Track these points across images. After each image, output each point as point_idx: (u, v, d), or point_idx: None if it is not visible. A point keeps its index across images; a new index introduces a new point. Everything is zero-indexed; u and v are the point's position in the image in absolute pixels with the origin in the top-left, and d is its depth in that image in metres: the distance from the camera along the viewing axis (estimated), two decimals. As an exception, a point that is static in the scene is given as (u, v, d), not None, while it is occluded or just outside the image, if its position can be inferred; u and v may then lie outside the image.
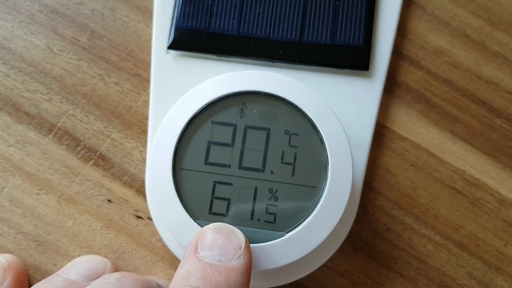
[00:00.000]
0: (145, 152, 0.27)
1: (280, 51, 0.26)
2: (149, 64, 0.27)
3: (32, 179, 0.26)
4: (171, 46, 0.26)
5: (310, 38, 0.26)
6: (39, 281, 0.25)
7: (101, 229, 0.26)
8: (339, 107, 0.26)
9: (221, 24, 0.26)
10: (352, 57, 0.26)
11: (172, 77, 0.26)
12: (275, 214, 0.22)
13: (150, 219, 0.26)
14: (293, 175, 0.22)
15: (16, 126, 0.27)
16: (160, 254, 0.26)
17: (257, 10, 0.26)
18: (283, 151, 0.22)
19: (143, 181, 0.26)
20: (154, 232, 0.26)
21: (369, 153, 0.26)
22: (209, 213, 0.22)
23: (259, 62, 0.26)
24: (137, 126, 0.27)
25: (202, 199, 0.22)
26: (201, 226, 0.21)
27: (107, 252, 0.26)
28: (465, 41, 0.28)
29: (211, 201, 0.22)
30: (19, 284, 0.24)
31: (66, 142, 0.27)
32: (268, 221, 0.22)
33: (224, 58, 0.26)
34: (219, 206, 0.22)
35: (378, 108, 0.26)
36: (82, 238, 0.26)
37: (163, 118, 0.23)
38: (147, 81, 0.27)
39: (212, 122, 0.23)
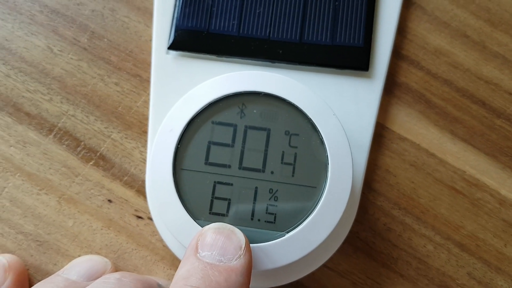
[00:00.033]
0: (145, 152, 0.27)
1: (280, 51, 0.26)
2: (149, 65, 0.27)
3: (33, 179, 0.26)
4: (171, 47, 0.26)
5: (310, 39, 0.26)
6: (39, 281, 0.25)
7: (102, 229, 0.26)
8: (339, 107, 0.26)
9: (221, 24, 0.26)
10: (352, 58, 0.26)
11: (172, 77, 0.26)
12: (275, 214, 0.22)
13: (150, 219, 0.26)
14: (293, 175, 0.22)
15: (17, 127, 0.27)
16: (160, 254, 0.26)
17: (257, 11, 0.26)
18: (283, 152, 0.22)
19: (143, 181, 0.26)
20: (155, 232, 0.26)
21: (369, 153, 0.26)
22: (210, 213, 0.22)
23: (259, 62, 0.26)
24: (137, 127, 0.27)
25: (203, 199, 0.22)
26: (202, 226, 0.21)
27: (108, 252, 0.26)
28: (465, 41, 0.28)
29: (212, 201, 0.22)
30: (19, 284, 0.24)
31: (66, 143, 0.27)
32: (268, 221, 0.22)
33: (224, 58, 0.26)
34: (219, 206, 0.22)
35: (378, 108, 0.26)
36: (82, 238, 0.26)
37: (164, 119, 0.23)
38: (147, 81, 0.27)
39: (212, 123, 0.23)
